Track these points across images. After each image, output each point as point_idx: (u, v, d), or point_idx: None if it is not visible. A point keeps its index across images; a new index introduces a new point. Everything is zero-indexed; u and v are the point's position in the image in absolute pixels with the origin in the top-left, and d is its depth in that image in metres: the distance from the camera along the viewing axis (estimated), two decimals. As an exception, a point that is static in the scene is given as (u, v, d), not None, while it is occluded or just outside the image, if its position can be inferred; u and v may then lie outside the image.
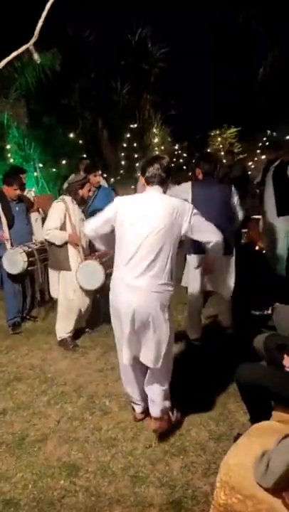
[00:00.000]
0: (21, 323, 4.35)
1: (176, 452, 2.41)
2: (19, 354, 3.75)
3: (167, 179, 2.36)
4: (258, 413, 2.12)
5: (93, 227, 2.44)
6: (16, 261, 3.99)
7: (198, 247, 3.24)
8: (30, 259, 4.06)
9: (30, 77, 7.61)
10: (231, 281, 3.73)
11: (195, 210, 2.30)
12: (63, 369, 3.44)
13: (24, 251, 4.03)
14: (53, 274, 3.93)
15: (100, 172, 4.87)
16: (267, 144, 8.04)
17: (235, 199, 3.59)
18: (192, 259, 3.63)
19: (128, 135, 10.68)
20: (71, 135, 9.25)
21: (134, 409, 2.74)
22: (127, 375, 2.59)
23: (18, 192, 4.21)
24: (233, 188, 3.63)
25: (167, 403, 2.56)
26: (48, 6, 1.98)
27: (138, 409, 2.70)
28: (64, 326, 3.81)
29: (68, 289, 3.73)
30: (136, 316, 2.24)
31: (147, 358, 2.36)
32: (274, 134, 17.01)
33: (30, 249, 4.10)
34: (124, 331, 2.30)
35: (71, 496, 2.14)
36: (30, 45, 1.42)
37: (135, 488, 2.17)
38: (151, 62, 11.23)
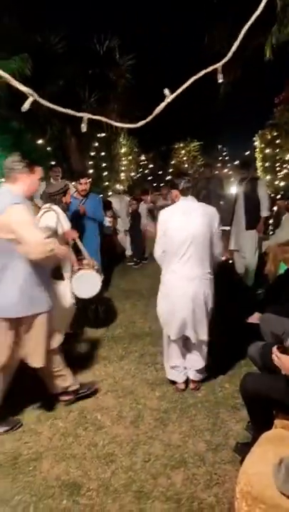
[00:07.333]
0: None
1: (176, 465, 2.41)
2: None
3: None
4: (261, 421, 2.18)
5: (163, 247, 3.03)
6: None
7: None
8: None
9: (-1, 81, 7.40)
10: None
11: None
12: (48, 383, 3.33)
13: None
14: None
15: (87, 179, 4.65)
16: (241, 163, 8.51)
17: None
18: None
19: (96, 144, 10.65)
20: (39, 141, 9.07)
21: (175, 382, 3.21)
22: (174, 349, 3.17)
23: None
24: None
25: (204, 367, 3.20)
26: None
27: (180, 379, 3.20)
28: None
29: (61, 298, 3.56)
30: (193, 300, 2.90)
31: (200, 334, 3.03)
32: (224, 149, 18.00)
33: None
34: (177, 314, 2.95)
35: (76, 516, 2.07)
36: (221, 64, 1.33)
37: (140, 504, 2.14)
38: (119, 73, 11.32)
